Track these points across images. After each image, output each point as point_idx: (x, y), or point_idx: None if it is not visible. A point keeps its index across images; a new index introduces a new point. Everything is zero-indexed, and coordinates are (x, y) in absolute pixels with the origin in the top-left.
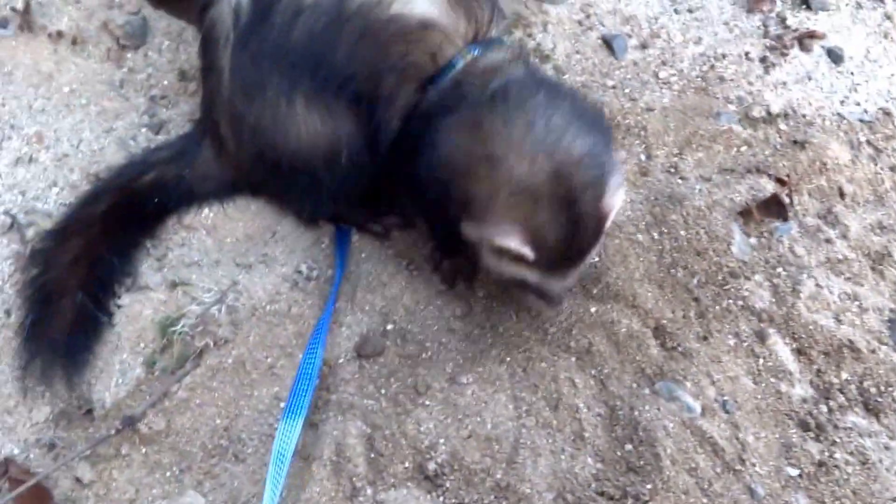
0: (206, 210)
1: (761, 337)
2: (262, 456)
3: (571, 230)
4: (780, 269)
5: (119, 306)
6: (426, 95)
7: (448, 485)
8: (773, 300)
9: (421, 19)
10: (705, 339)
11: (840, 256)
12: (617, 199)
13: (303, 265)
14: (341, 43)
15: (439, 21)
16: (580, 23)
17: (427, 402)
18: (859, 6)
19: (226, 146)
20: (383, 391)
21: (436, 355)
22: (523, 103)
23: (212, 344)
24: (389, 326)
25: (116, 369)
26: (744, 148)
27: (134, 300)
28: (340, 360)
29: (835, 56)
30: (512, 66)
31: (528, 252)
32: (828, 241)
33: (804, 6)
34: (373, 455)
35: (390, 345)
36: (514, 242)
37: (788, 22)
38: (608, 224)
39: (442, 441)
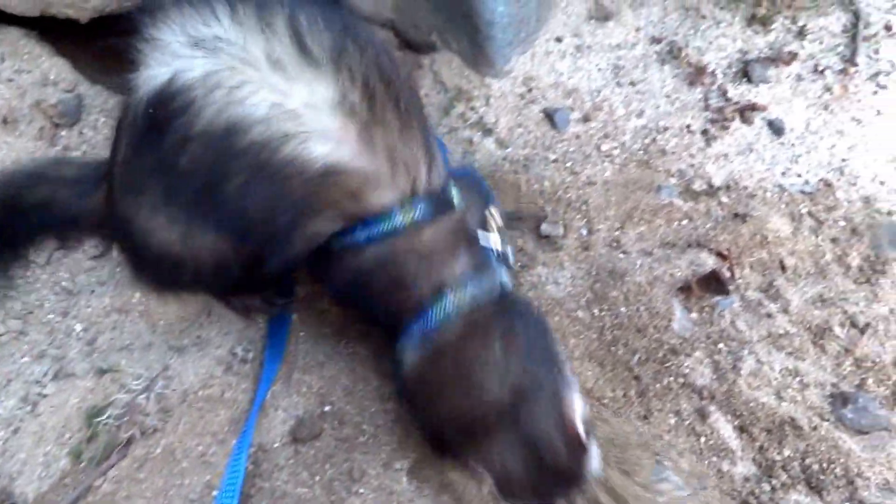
0: (137, 294)
1: (702, 415)
2: None
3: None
4: (721, 345)
5: (44, 395)
6: (353, 234)
7: None
8: (715, 377)
9: (324, 164)
10: (646, 417)
11: (781, 331)
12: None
13: (238, 347)
14: (230, 178)
15: (351, 165)
16: (522, 96)
17: (361, 490)
18: (800, 78)
19: (108, 202)
20: (317, 478)
21: (372, 438)
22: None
23: (139, 434)
24: (327, 408)
25: (40, 461)
26: (685, 221)
27: (59, 389)
28: (276, 445)
29: (776, 128)
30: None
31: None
32: (769, 315)
33: (745, 79)
34: None
35: (327, 427)
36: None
37: (729, 94)
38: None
39: None
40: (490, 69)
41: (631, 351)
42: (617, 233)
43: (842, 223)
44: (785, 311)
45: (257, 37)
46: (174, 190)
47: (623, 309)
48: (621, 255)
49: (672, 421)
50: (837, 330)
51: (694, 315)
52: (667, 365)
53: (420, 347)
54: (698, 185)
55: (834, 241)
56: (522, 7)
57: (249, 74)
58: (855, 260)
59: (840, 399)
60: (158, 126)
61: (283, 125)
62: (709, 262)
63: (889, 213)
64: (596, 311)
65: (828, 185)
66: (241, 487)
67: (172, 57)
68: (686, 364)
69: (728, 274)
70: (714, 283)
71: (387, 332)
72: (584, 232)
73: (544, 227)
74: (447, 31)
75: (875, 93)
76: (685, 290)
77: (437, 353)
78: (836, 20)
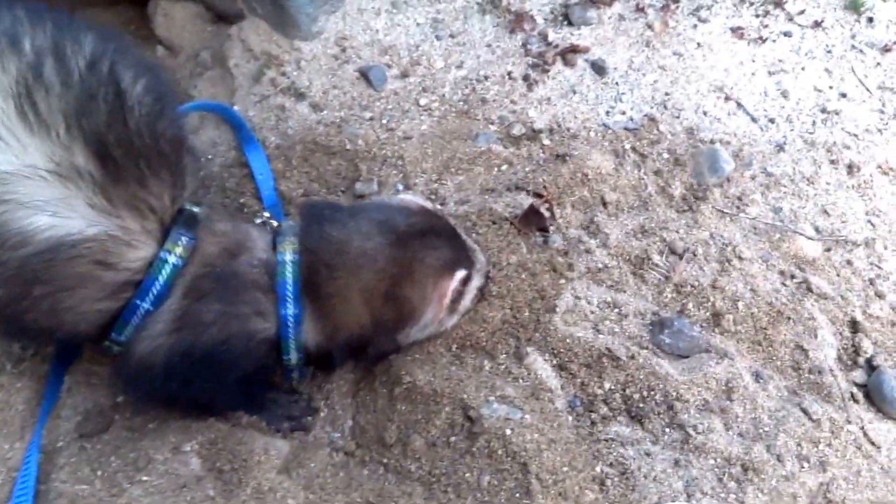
0: None
1: (518, 356)
2: None
3: None
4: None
5: None
6: (133, 303)
7: None
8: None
9: (48, 239)
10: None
11: (600, 265)
12: None
13: (15, 344)
14: None
15: (86, 234)
16: (336, 57)
17: (145, 478)
18: (621, 18)
19: None
20: (100, 472)
21: (163, 423)
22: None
23: None
24: (120, 398)
25: None
26: (504, 167)
27: None
28: (59, 444)
29: (598, 68)
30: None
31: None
32: (588, 251)
33: (566, 22)
34: None
35: (119, 418)
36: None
37: (550, 38)
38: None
39: None
40: (297, 31)
41: None
42: (435, 185)
43: (665, 155)
44: (604, 245)
45: None
46: None
47: None
48: (440, 207)
49: (487, 366)
50: (656, 258)
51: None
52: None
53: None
54: (518, 130)
55: (657, 173)
56: None
57: None
58: (678, 189)
59: (658, 326)
60: None
61: None
62: (526, 203)
63: (711, 142)
64: None
65: (652, 119)
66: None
67: None
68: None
69: (548, 213)
70: (534, 221)
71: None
72: (401, 187)
73: (358, 186)
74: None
75: (695, 26)
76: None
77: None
78: None
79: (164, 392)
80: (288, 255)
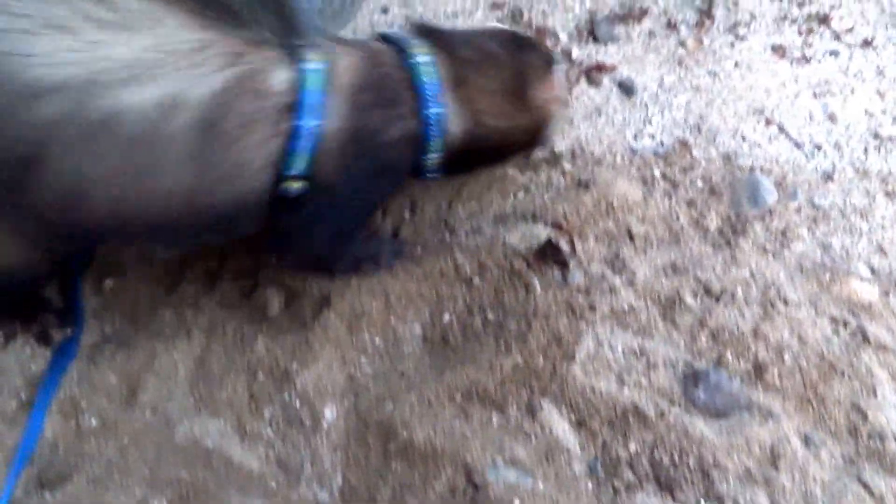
0: None
1: (532, 410)
2: None
3: None
4: (556, 327)
5: None
6: (296, 126)
7: None
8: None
9: (208, 101)
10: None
11: (626, 306)
12: None
13: None
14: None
15: (231, 80)
16: None
17: None
18: (652, 35)
19: None
20: None
21: (127, 474)
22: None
23: None
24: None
25: None
26: (521, 194)
27: None
28: (19, 495)
29: (626, 88)
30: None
31: None
32: (612, 289)
33: (591, 39)
34: None
35: (82, 468)
36: None
37: (574, 56)
38: None
39: None
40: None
41: None
42: (445, 212)
43: (699, 184)
44: (630, 283)
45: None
46: None
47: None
48: (448, 235)
49: (495, 420)
50: (689, 300)
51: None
52: None
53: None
54: (537, 154)
55: (690, 203)
56: None
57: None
58: (713, 222)
59: (692, 378)
60: None
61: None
62: (544, 235)
63: (751, 169)
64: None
65: (684, 144)
66: None
67: None
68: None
69: (568, 247)
70: (551, 256)
71: None
72: (408, 213)
73: None
74: (255, 8)
75: (732, 45)
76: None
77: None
78: None
79: (341, 221)
80: (422, 56)
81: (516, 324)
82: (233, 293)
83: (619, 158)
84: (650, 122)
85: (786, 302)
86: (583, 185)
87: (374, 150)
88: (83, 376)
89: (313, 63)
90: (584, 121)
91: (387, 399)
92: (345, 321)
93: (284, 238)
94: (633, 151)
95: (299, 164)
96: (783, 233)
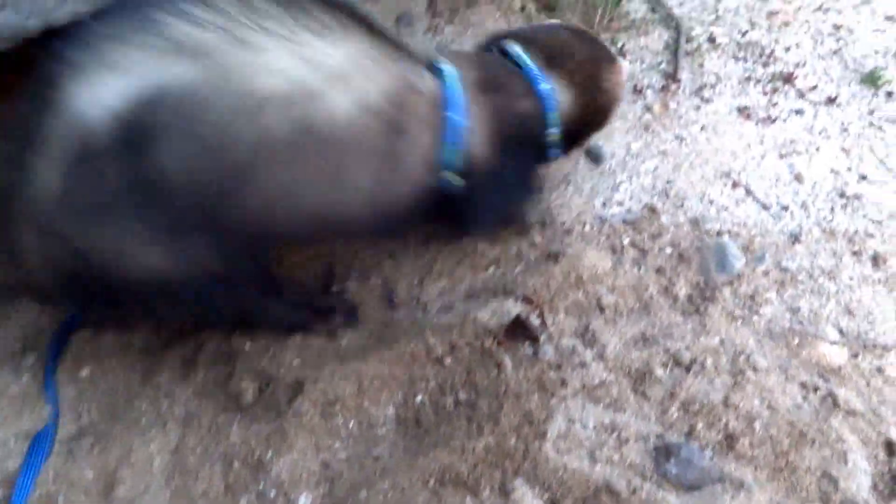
0: None
1: (505, 491)
2: None
3: None
4: (527, 405)
5: None
6: (449, 118)
7: None
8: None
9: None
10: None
11: (597, 381)
12: None
13: None
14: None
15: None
16: None
17: None
18: None
19: (22, 255)
20: None
21: None
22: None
23: None
24: None
25: None
26: (491, 269)
27: None
28: None
29: (594, 156)
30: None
31: None
32: (583, 364)
33: None
34: None
35: None
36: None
37: None
38: None
39: None
40: None
41: None
42: (416, 290)
43: (668, 250)
44: (601, 356)
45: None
46: (160, 205)
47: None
48: (421, 314)
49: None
50: (659, 371)
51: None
52: None
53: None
54: (508, 228)
55: (659, 271)
56: None
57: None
58: (682, 290)
59: (663, 452)
60: (137, 143)
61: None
62: (514, 310)
63: (718, 233)
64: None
65: (652, 210)
66: None
67: (136, 66)
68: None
69: (538, 321)
70: (521, 333)
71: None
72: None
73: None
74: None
75: (698, 108)
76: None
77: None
78: (658, 37)
79: (506, 200)
80: (515, 47)
81: (488, 404)
82: (208, 381)
83: (588, 227)
84: (618, 190)
85: (755, 369)
86: (552, 256)
87: (512, 125)
88: (59, 472)
89: (446, 66)
90: (553, 191)
91: (361, 486)
92: (318, 407)
93: (465, 220)
94: (603, 220)
95: (456, 155)
96: (752, 297)
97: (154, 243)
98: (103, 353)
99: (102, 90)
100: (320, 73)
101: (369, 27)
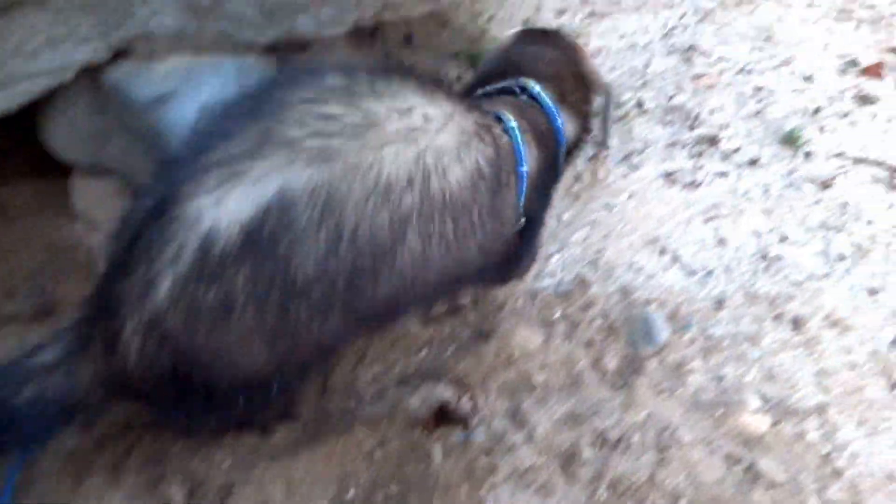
0: None
1: None
2: None
3: None
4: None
5: None
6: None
7: None
8: None
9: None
10: None
11: (527, 464)
12: None
13: None
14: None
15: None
16: None
17: None
18: None
19: (122, 356)
20: None
21: None
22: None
23: None
24: None
25: None
26: (423, 351)
27: None
28: None
29: None
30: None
31: None
32: (513, 447)
33: None
34: None
35: None
36: None
37: None
38: None
39: None
40: None
41: None
42: (349, 377)
43: (598, 322)
44: (531, 438)
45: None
46: (279, 305)
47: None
48: (353, 403)
49: None
50: (587, 452)
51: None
52: None
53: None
54: (439, 306)
55: (589, 344)
56: None
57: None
58: (612, 362)
59: None
60: (266, 248)
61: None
62: (446, 394)
63: (646, 302)
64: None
65: (583, 281)
66: None
67: (263, 175)
68: None
69: (469, 403)
70: (453, 418)
71: None
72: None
73: None
74: None
75: (626, 175)
76: (424, 428)
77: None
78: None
79: (540, 237)
80: (535, 86)
81: (418, 497)
82: (138, 485)
83: (520, 302)
84: (550, 261)
85: (680, 444)
86: (484, 335)
87: (546, 165)
88: None
89: (509, 119)
90: None
91: None
92: None
93: (516, 263)
94: (534, 293)
95: (524, 202)
96: (678, 367)
97: (264, 342)
98: (35, 458)
99: (231, 201)
100: (433, 150)
101: (438, 86)
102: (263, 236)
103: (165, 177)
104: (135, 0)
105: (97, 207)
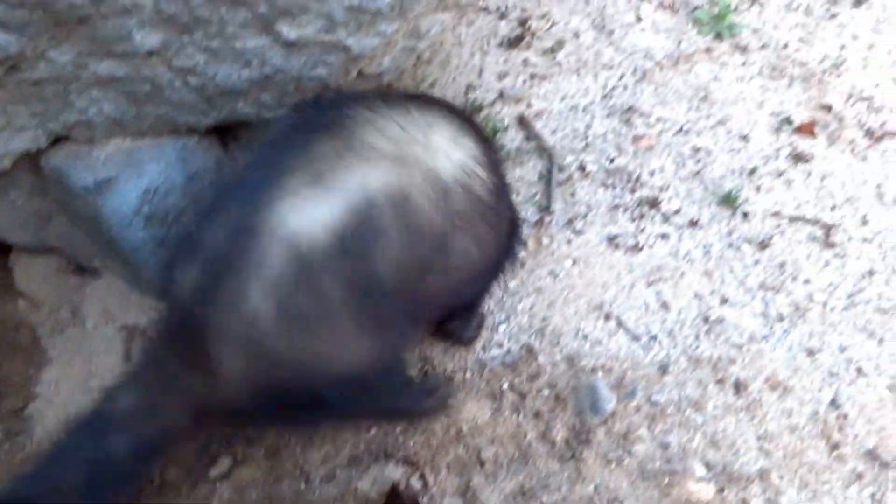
0: None
1: None
2: None
3: None
4: None
5: None
6: None
7: None
8: None
9: None
10: None
11: None
12: None
13: None
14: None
15: None
16: None
17: None
18: None
19: (215, 376)
20: None
21: None
22: None
23: None
24: None
25: None
26: (374, 430)
27: None
28: None
29: None
30: None
31: None
32: None
33: None
34: None
35: None
36: None
37: None
38: None
39: None
40: (153, 290)
41: None
42: (300, 459)
43: (546, 392)
44: None
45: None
46: (370, 303)
47: None
48: (304, 485)
49: None
50: None
51: None
52: None
53: None
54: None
55: (537, 415)
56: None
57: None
58: (560, 433)
59: None
60: (354, 252)
61: None
62: (396, 474)
63: (593, 370)
64: None
65: (530, 350)
66: None
67: (345, 180)
68: None
69: (419, 483)
70: (403, 498)
71: None
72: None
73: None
74: (107, 258)
75: (570, 241)
76: None
77: None
78: (533, 168)
79: None
80: None
81: None
82: None
83: (468, 374)
84: (497, 331)
85: None
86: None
87: None
88: None
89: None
90: (431, 336)
91: None
92: None
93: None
94: (483, 364)
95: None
96: (624, 436)
97: (364, 339)
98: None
99: (315, 209)
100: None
101: (439, 104)
102: (351, 239)
103: (222, 195)
104: (72, 89)
105: (40, 285)
